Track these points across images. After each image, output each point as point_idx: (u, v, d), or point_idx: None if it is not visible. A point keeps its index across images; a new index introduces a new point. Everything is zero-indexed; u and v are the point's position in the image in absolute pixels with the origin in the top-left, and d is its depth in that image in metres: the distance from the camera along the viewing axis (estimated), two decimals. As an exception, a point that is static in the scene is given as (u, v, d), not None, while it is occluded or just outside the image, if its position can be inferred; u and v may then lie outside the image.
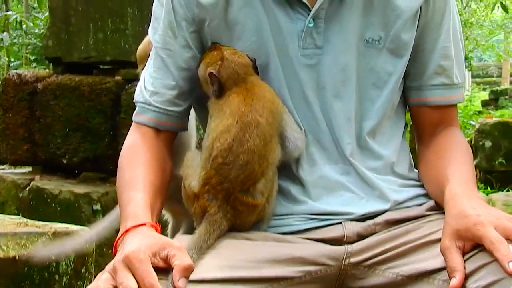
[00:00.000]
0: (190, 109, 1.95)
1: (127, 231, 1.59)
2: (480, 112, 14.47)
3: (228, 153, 1.69)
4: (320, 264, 1.71)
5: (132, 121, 1.94)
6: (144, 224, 1.61)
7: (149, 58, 1.93)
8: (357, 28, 1.82)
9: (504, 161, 7.90)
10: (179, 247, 1.50)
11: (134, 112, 1.92)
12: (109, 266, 1.48)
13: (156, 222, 1.67)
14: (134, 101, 1.93)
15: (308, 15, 1.79)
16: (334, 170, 1.83)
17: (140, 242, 1.51)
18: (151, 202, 1.72)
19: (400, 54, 1.86)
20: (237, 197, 1.70)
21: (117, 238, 1.61)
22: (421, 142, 2.00)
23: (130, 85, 4.96)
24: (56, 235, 3.25)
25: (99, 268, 1.56)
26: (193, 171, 1.77)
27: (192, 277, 1.49)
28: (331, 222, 1.78)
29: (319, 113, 1.83)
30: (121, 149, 1.90)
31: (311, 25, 1.80)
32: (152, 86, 1.88)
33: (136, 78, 1.94)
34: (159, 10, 1.89)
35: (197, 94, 1.90)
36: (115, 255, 1.54)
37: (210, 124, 1.79)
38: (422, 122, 1.98)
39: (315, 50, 1.81)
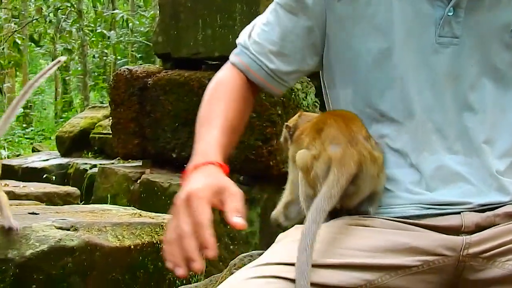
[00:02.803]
0: (285, 76, 1.90)
1: (195, 167, 1.63)
2: None
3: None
4: (438, 255, 1.67)
5: None
6: (212, 163, 1.64)
7: (266, 10, 1.94)
8: (502, 19, 1.77)
9: None
10: (235, 192, 1.53)
11: (232, 52, 1.94)
12: (175, 203, 1.54)
13: (225, 163, 1.69)
14: (236, 41, 1.95)
15: (449, 3, 1.75)
16: (455, 161, 1.78)
17: (202, 181, 1.56)
18: (224, 140, 1.75)
19: None
20: (359, 140, 1.69)
21: (187, 169, 1.66)
22: None
23: (237, 80, 4.93)
24: (168, 225, 3.33)
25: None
26: (305, 158, 1.74)
27: None
28: (449, 211, 1.74)
29: (448, 102, 1.78)
30: None
31: (450, 13, 1.75)
32: (258, 37, 1.89)
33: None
34: None
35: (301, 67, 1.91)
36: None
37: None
38: None
39: (452, 39, 1.77)
